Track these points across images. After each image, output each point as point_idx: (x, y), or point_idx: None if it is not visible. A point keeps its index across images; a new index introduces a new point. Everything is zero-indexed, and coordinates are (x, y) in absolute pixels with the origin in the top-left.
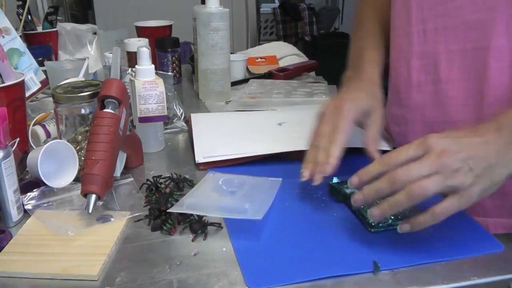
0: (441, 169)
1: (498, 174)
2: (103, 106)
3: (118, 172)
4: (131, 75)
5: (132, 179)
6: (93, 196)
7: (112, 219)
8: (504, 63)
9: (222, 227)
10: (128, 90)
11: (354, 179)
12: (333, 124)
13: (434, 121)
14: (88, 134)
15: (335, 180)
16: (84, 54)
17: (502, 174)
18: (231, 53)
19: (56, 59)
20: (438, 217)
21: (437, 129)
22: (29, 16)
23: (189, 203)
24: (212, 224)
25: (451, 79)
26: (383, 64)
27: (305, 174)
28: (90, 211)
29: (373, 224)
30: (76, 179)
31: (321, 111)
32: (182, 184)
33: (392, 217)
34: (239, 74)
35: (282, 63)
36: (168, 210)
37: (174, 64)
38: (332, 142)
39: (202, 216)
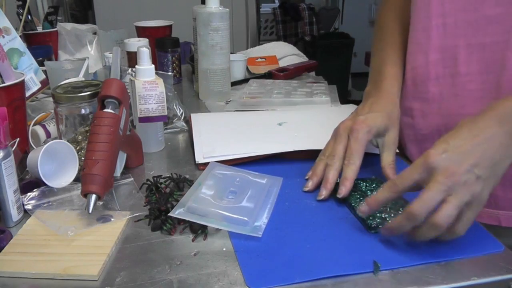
0: (452, 189)
1: (502, 168)
2: (103, 106)
3: (118, 172)
4: (131, 75)
5: (132, 179)
6: (93, 196)
7: (112, 219)
8: None
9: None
10: (128, 90)
11: (364, 208)
12: (346, 146)
13: (451, 114)
14: (88, 134)
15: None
16: (84, 54)
17: (505, 166)
18: (231, 53)
19: (56, 59)
20: (460, 233)
21: (454, 122)
22: (29, 16)
23: (189, 207)
24: None
25: (470, 72)
26: (402, 76)
27: (309, 185)
28: (90, 211)
29: (373, 226)
30: (76, 179)
31: (336, 128)
32: (182, 184)
33: (392, 217)
34: (239, 74)
35: (282, 63)
36: (169, 214)
37: (174, 64)
38: (347, 165)
39: None
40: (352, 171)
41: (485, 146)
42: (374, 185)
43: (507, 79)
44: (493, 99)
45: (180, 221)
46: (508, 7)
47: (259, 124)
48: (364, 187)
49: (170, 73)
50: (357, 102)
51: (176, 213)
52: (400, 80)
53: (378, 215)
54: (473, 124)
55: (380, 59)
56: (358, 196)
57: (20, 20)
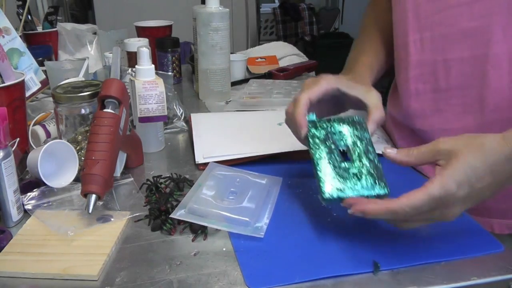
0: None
1: (483, 199)
2: (103, 106)
3: (118, 172)
4: (131, 75)
5: (132, 179)
6: (93, 196)
7: (112, 219)
8: (503, 70)
9: None
10: (128, 90)
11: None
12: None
13: (434, 129)
14: (88, 134)
15: (312, 117)
16: (84, 54)
17: (487, 197)
18: (231, 53)
19: (56, 59)
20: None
21: (438, 137)
22: (29, 16)
23: (190, 209)
24: None
25: (450, 87)
26: (379, 68)
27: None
28: (90, 211)
29: (326, 197)
30: (76, 179)
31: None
32: (182, 184)
33: (350, 191)
34: (239, 74)
35: (282, 63)
36: (170, 216)
37: (174, 64)
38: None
39: None
40: (296, 106)
41: (489, 191)
42: (357, 130)
43: (490, 93)
44: (477, 113)
45: (180, 221)
46: (483, 21)
47: (259, 124)
48: (337, 129)
49: (170, 73)
50: None
51: (177, 214)
52: (373, 67)
53: (339, 186)
54: (495, 175)
55: (357, 50)
56: (328, 145)
57: (20, 20)
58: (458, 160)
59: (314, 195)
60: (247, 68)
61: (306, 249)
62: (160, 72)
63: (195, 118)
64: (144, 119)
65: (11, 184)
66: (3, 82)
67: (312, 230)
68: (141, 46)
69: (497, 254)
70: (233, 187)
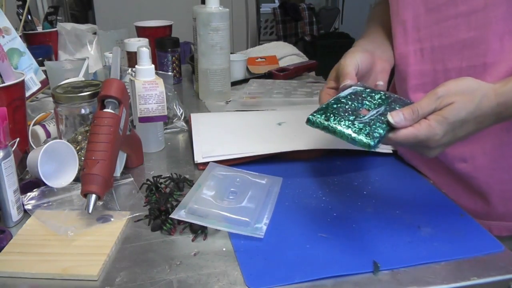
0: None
1: (465, 137)
2: (103, 106)
3: (118, 172)
4: (131, 75)
5: (132, 179)
6: (93, 196)
7: (112, 219)
8: (500, 79)
9: None
10: (128, 90)
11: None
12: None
13: None
14: (88, 134)
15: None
16: (84, 54)
17: (463, 140)
18: (231, 53)
19: (56, 59)
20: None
21: None
22: (29, 16)
23: (190, 209)
24: None
25: None
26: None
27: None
28: (90, 211)
29: (373, 145)
30: (76, 179)
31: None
32: (182, 184)
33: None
34: (239, 74)
35: (282, 63)
36: (170, 216)
37: (174, 64)
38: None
39: None
40: (348, 69)
41: (465, 138)
42: (377, 98)
43: None
44: None
45: (180, 221)
46: (481, 31)
47: (259, 124)
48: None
49: (170, 73)
50: None
51: (177, 214)
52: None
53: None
54: (478, 125)
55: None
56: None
57: (20, 20)
58: (450, 109)
59: (314, 195)
60: (247, 68)
61: (306, 249)
62: (160, 72)
63: (195, 118)
64: (144, 119)
65: (11, 184)
66: (3, 82)
67: (312, 230)
68: (141, 46)
69: (497, 254)
70: (233, 187)
